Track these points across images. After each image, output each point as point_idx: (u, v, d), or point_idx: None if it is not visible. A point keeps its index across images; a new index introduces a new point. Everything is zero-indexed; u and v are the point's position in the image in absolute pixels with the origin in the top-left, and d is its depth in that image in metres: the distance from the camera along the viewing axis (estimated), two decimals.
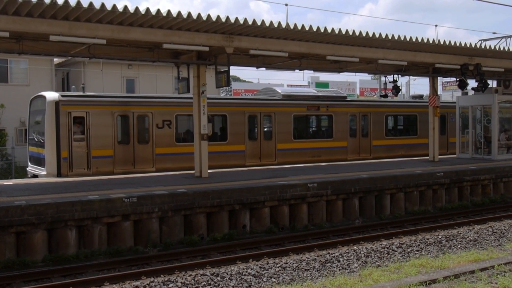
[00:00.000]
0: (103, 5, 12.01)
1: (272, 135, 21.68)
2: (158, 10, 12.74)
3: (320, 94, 23.85)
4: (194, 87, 16.44)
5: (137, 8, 12.49)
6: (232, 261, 11.01)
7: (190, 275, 9.79)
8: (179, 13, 13.00)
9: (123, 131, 18.71)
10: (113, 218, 11.90)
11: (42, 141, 17.85)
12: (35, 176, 18.24)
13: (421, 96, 30.71)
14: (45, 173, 17.51)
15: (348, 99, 25.25)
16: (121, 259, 11.23)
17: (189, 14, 13.14)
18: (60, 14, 12.28)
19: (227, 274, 9.91)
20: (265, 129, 21.71)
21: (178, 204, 12.66)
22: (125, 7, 12.32)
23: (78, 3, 11.78)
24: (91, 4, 11.89)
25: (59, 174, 17.34)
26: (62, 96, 18.01)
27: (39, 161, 18.31)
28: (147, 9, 12.59)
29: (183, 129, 20.16)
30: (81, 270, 10.52)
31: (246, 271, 10.08)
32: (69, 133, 17.55)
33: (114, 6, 12.16)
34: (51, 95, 17.98)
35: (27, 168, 19.77)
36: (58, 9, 11.92)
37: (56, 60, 31.46)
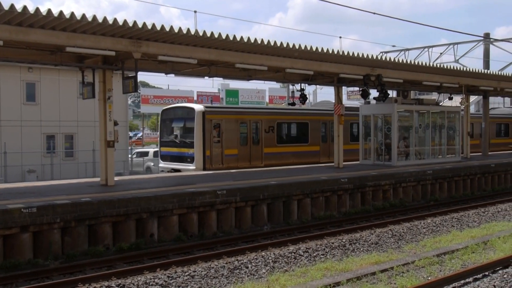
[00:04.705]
0: None
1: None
2: (61, 12, 12.16)
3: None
4: (100, 92, 15.92)
5: (37, 9, 11.83)
6: (139, 271, 10.74)
7: (95, 287, 9.44)
8: (83, 16, 12.51)
9: (243, 135, 23.33)
10: (10, 230, 11.17)
11: (189, 142, 22.13)
12: (176, 170, 22.18)
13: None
14: (193, 167, 21.59)
15: None
16: (18, 273, 10.59)
17: (94, 17, 12.68)
18: None
19: (134, 284, 9.67)
20: (332, 134, 25.97)
21: (82, 213, 12.16)
22: (25, 7, 11.64)
23: None
24: None
25: (204, 168, 21.40)
26: (206, 107, 22.88)
27: (181, 158, 22.56)
28: (49, 10, 11.98)
29: (281, 133, 25.28)
30: None
31: (154, 281, 9.88)
32: (210, 136, 21.98)
33: (12, 6, 11.44)
34: (199, 107, 22.54)
35: (159, 165, 24.04)
36: None
37: None
